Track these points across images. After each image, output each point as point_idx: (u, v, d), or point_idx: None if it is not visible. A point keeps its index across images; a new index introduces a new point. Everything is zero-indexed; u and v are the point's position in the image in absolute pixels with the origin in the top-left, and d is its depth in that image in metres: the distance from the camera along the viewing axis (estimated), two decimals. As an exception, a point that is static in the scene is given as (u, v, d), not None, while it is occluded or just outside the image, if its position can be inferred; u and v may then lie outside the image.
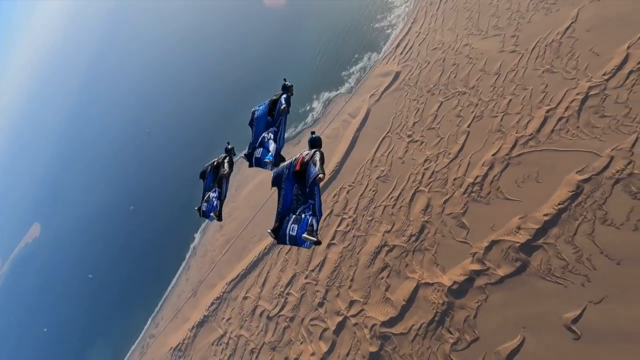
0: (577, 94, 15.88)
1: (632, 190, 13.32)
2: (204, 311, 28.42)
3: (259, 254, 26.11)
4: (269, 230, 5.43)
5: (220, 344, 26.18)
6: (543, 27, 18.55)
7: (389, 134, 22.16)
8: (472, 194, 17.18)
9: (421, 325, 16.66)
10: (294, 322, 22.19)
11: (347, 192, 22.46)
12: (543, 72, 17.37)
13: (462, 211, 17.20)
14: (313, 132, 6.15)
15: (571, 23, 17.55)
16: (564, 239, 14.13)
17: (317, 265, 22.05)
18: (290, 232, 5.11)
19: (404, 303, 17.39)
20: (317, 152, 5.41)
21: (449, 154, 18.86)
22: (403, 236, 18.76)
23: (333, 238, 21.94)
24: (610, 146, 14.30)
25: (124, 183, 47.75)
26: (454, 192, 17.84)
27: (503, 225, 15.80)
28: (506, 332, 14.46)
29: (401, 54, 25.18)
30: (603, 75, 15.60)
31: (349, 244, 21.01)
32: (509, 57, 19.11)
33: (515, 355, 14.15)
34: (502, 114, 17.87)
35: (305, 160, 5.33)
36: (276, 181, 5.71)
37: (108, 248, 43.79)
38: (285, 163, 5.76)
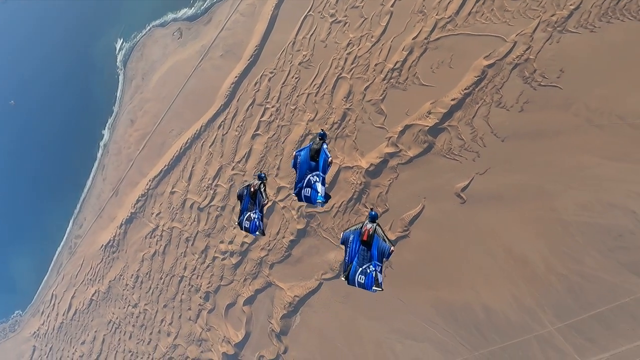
0: (497, -27, 15.61)
1: (524, 75, 14.81)
2: (130, 209, 27.89)
3: (181, 148, 24.99)
4: (342, 278, 7.45)
5: (154, 237, 26.81)
6: None
7: (311, 13, 20.24)
8: (392, 80, 17.56)
9: (342, 203, 18.69)
10: (225, 210, 23.20)
11: (269, 79, 21.27)
12: (469, -56, 16.35)
13: (381, 98, 17.77)
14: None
15: None
16: (465, 121, 15.84)
17: (243, 157, 22.12)
18: (359, 280, 7.11)
19: (327, 185, 18.94)
20: (378, 226, 7.42)
21: (372, 37, 18.25)
22: (326, 124, 19.20)
23: (257, 129, 21.61)
24: (515, 31, 15.07)
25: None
26: (374, 79, 18.01)
27: (416, 110, 16.91)
28: (410, 202, 17.06)
29: None
30: (523, -48, 15.26)
31: (274, 134, 21.01)
32: None
33: (416, 219, 17.08)
34: (426, -8, 17.14)
35: (370, 233, 7.18)
36: (344, 242, 7.62)
37: (-4, 151, 37.75)
38: (352, 229, 7.60)
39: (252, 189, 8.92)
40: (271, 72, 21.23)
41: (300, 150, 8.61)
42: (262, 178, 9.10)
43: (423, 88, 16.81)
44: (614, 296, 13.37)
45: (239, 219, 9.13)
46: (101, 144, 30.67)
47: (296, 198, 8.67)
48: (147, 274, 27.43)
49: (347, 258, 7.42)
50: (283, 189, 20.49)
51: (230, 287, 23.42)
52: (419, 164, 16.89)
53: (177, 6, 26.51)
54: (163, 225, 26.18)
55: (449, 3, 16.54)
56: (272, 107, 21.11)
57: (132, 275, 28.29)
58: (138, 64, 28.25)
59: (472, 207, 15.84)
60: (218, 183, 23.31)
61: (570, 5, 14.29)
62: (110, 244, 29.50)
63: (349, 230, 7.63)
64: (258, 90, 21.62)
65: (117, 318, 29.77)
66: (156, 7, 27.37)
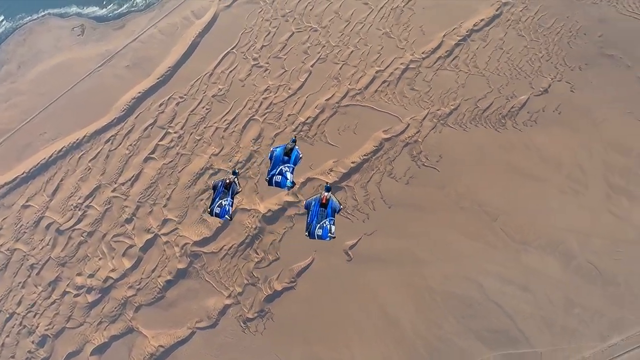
0: (401, 64, 18.24)
1: (412, 154, 17.00)
2: (-44, 218, 21.70)
3: (51, 156, 21.06)
4: (306, 234, 9.81)
5: (-16, 258, 21.07)
6: (394, -10, 19.73)
7: (234, 50, 20.30)
8: (301, 133, 18.25)
9: (232, 246, 17.74)
10: (93, 237, 19.80)
11: (177, 104, 20.03)
12: (383, 34, 18.94)
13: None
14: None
15: (414, -5, 19.31)
16: (360, 184, 17.11)
17: (130, 179, 19.67)
18: (317, 233, 9.31)
19: (219, 225, 17.91)
20: (332, 194, 10.19)
21: (289, 89, 19.01)
22: (230, 161, 18.61)
23: (153, 152, 19.71)
24: (409, 115, 17.47)
25: None
26: (285, 128, 18.48)
27: (320, 165, 17.69)
28: (301, 254, 17.12)
29: (264, -40, 22.35)
30: (422, 53, 18.29)
31: (171, 161, 19.40)
32: (361, 7, 19.77)
33: (304, 271, 17.10)
34: (343, 63, 18.90)
35: (327, 198, 9.61)
36: (307, 207, 9.93)
37: None
38: (313, 197, 9.90)
39: (227, 181, 10.22)
40: (181, 97, 20.09)
41: (276, 148, 10.44)
42: (236, 174, 10.69)
43: (328, 146, 17.83)
44: (462, 359, 15.07)
45: (210, 206, 10.40)
46: None
47: (267, 183, 10.44)
48: (-41, 306, 21.00)
49: (309, 219, 9.76)
50: (169, 221, 18.62)
51: (78, 330, 19.33)
52: (314, 217, 17.31)
53: (86, 2, 23.83)
54: (0, 245, 20.89)
55: (360, 77, 18.47)
56: (175, 132, 19.70)
57: None
58: (17, 49, 23.82)
59: (357, 265, 16.66)
60: (91, 204, 20.01)
61: (451, 105, 17.35)
62: None
63: (310, 198, 10.03)
64: (162, 112, 20.07)
65: None
66: (59, -6, 24.14)
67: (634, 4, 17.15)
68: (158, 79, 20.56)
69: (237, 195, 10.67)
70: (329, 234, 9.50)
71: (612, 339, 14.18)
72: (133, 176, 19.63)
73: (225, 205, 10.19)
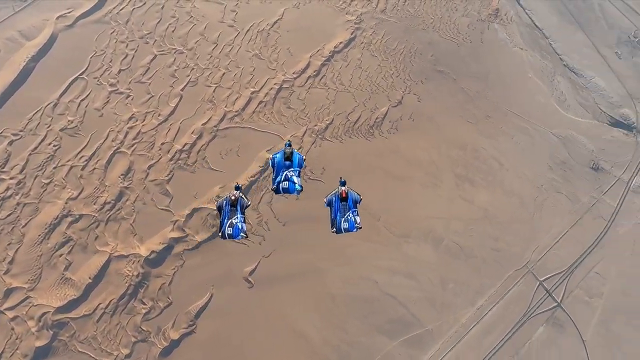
0: (275, 84, 18.74)
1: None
2: None
3: None
4: (332, 230, 9.47)
5: None
6: (258, 13, 20.26)
7: (84, 76, 17.65)
8: (179, 161, 16.91)
9: (110, 302, 15.11)
10: None
11: (10, 142, 16.24)
12: (253, 56, 19.17)
13: (167, 178, 16.61)
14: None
15: (278, 19, 20.19)
16: (251, 207, 16.73)
17: (-55, 247, 14.97)
18: (344, 227, 9.23)
19: (90, 281, 15.07)
20: (350, 188, 9.69)
21: (159, 115, 17.48)
22: (95, 204, 15.94)
23: (-20, 206, 15.47)
24: (290, 132, 18.01)
25: None
26: (160, 158, 16.86)
27: (205, 193, 16.66)
28: (197, 292, 15.70)
29: (110, -23, 20.24)
30: (294, 73, 19.17)
31: (9, 214, 15.53)
32: (227, 30, 19.66)
33: (204, 310, 15.70)
34: (216, 85, 18.37)
35: (346, 192, 9.36)
36: (329, 204, 9.71)
37: None
38: (332, 193, 9.70)
39: (232, 198, 9.18)
40: (15, 134, 16.36)
41: (275, 154, 9.73)
42: (239, 188, 9.67)
43: (212, 172, 16.97)
44: (370, 356, 15.99)
45: (220, 230, 9.23)
46: None
47: (274, 192, 9.64)
48: None
49: (332, 216, 9.53)
50: (16, 290, 14.78)
51: None
52: (207, 249, 16.16)
53: None
54: None
55: (236, 99, 18.25)
56: (12, 178, 15.89)
57: None
58: None
59: (260, 290, 16.13)
60: None
61: (326, 120, 18.59)
62: None
63: (329, 195, 9.73)
64: (-11, 155, 16.01)
65: None
66: None
67: (450, 30, 21.51)
68: (-23, 114, 16.35)
69: (246, 210, 9.59)
70: (356, 225, 9.30)
71: (478, 302, 17.10)
72: (-50, 242, 14.99)
73: (236, 223, 9.12)
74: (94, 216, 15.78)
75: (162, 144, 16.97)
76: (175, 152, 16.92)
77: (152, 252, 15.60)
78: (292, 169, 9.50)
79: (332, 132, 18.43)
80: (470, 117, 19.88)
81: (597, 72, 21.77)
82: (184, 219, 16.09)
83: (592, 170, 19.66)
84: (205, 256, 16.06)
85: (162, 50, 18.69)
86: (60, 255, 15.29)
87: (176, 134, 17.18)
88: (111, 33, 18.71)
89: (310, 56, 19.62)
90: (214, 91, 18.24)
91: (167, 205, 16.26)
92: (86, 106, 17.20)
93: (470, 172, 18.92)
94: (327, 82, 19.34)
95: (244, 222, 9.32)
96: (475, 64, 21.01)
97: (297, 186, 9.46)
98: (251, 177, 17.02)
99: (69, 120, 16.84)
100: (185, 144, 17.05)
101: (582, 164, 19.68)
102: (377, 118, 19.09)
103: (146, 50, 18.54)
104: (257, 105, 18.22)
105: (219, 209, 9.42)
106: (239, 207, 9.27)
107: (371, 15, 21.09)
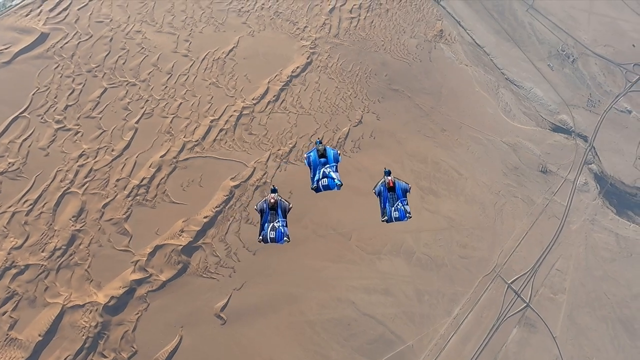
0: (234, 111, 18.54)
1: (264, 195, 17.13)
2: None
3: None
4: (383, 219, 9.16)
5: None
6: (212, 42, 20.19)
7: (25, 114, 16.46)
8: (138, 197, 16.01)
9: (65, 359, 13.61)
10: None
11: (-61, 192, 14.62)
12: (210, 84, 18.93)
13: (124, 216, 15.61)
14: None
15: (233, 47, 20.22)
16: (219, 238, 16.08)
17: None
18: (395, 216, 9.11)
19: (40, 339, 13.53)
20: (396, 178, 9.42)
21: (113, 150, 16.58)
22: (43, 252, 14.56)
23: None
24: (254, 159, 17.74)
25: None
26: (116, 195, 15.87)
27: (168, 229, 15.82)
28: (165, 336, 14.58)
29: (51, 11, 19.38)
30: (253, 99, 19.11)
31: (-60, 274, 13.77)
32: (182, 60, 19.35)
33: (174, 354, 14.56)
34: (173, 116, 17.85)
35: (393, 181, 9.27)
36: (379, 193, 9.46)
37: None
38: (379, 183, 9.46)
39: (271, 201, 8.86)
40: (-55, 182, 14.77)
41: (309, 153, 9.55)
42: (275, 190, 9.27)
43: (174, 206, 16.20)
44: (354, 381, 15.51)
45: (261, 234, 8.69)
46: None
47: (314, 191, 9.36)
48: None
49: (381, 204, 9.31)
50: (-50, 361, 12.93)
51: None
52: (173, 288, 15.18)
53: None
54: None
55: (195, 128, 17.79)
56: (-58, 231, 14.20)
57: None
58: None
59: (233, 325, 15.30)
60: None
61: (289, 143, 18.55)
62: None
63: (377, 185, 9.52)
64: None
65: None
66: None
67: (400, 51, 22.64)
68: None
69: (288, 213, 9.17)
70: (407, 214, 9.17)
71: (454, 311, 17.33)
72: None
73: (278, 227, 8.75)
74: (43, 265, 14.38)
75: (118, 180, 16.02)
76: (133, 188, 16.02)
77: (112, 297, 14.38)
78: (329, 165, 9.47)
79: (296, 155, 18.39)
80: (427, 131, 20.73)
81: (534, 83, 23.76)
82: (145, 258, 15.08)
83: (541, 173, 21.08)
84: (172, 295, 15.04)
85: (113, 83, 17.95)
86: (4, 314, 13.66)
87: (132, 169, 16.32)
88: (55, 68, 17.74)
89: (269, 82, 19.72)
90: (171, 122, 17.68)
91: (127, 245, 15.20)
92: (29, 146, 15.97)
93: (433, 183, 19.54)
94: (287, 106, 19.44)
95: (286, 226, 8.98)
96: (427, 81, 22.14)
97: (336, 181, 9.38)
98: (216, 207, 16.44)
99: (9, 163, 15.49)
100: (143, 178, 16.21)
101: (532, 168, 21.04)
102: (339, 138, 19.35)
103: (95, 84, 17.73)
104: (218, 134, 17.85)
105: (261, 211, 8.99)
106: (279, 211, 8.94)
107: (325, 39, 21.73)
